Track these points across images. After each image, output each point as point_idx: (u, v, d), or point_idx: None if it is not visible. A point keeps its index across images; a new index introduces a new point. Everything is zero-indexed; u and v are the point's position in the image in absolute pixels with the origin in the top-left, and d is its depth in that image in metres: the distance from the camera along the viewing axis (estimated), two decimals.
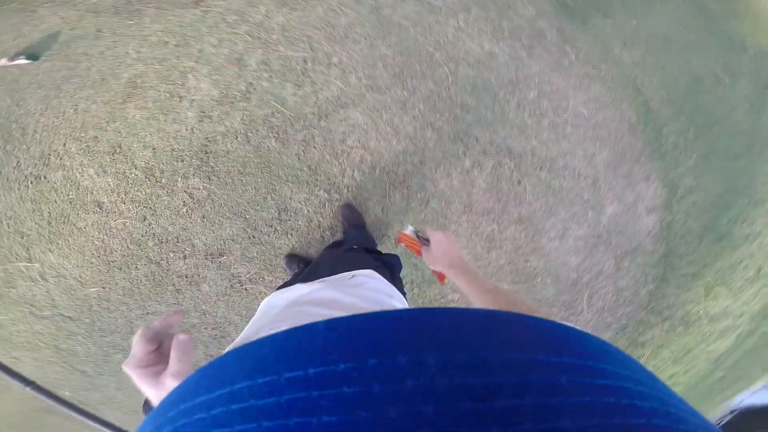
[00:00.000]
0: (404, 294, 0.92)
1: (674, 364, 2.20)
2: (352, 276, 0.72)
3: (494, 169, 1.96)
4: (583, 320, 2.03)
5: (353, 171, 1.83)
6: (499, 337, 0.17)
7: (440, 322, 0.18)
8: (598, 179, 2.06)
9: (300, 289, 0.66)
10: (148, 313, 1.78)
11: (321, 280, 0.72)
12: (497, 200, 1.95)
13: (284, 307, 0.60)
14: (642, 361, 2.08)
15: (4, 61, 1.82)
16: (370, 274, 0.75)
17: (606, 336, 2.07)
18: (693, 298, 2.16)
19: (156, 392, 0.41)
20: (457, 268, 0.69)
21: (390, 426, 0.13)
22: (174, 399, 0.18)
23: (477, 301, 0.62)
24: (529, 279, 1.97)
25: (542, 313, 0.57)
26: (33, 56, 1.84)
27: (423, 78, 1.97)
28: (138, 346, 0.42)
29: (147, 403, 0.47)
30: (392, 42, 2.00)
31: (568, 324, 0.19)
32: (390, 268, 0.97)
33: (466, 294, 0.65)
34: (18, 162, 1.76)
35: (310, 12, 1.97)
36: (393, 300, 0.72)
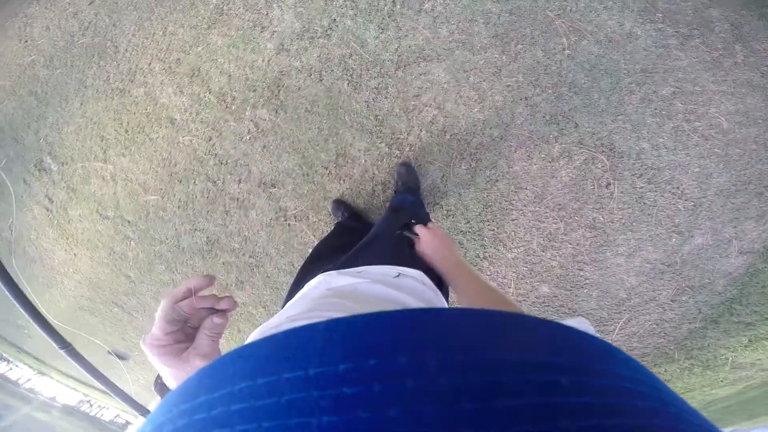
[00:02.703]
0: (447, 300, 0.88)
1: None
2: (398, 274, 0.69)
3: (585, 163, 1.75)
4: (608, 339, 1.92)
5: (421, 130, 1.74)
6: (499, 337, 0.17)
7: (440, 322, 0.18)
8: (702, 204, 1.78)
9: (343, 279, 0.67)
10: (196, 229, 1.93)
11: (364, 271, 0.71)
12: (575, 198, 1.77)
13: (325, 296, 0.60)
14: None
15: None
16: (418, 278, 0.72)
17: None
18: (732, 345, 1.97)
19: (176, 372, 0.40)
20: (447, 268, 0.70)
21: (390, 426, 0.13)
22: (174, 399, 0.18)
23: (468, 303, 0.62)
24: (575, 288, 1.86)
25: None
26: None
27: (532, 45, 1.75)
28: (159, 326, 0.39)
29: (159, 380, 0.44)
30: None
31: (569, 324, 0.19)
32: None
33: (458, 294, 0.65)
34: (108, 76, 1.97)
35: None
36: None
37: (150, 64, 1.91)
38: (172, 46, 1.90)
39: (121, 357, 2.51)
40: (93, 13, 2.02)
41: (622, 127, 1.73)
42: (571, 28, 1.76)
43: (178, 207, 1.92)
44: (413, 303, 0.60)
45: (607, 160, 1.73)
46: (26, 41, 2.10)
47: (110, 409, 4.64)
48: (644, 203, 1.77)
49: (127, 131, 1.93)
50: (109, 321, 2.32)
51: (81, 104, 2.00)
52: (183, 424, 0.16)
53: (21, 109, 2.09)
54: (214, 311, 0.41)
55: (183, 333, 0.41)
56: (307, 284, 0.71)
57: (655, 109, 1.74)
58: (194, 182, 1.89)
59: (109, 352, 2.46)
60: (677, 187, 1.76)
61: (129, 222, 2.00)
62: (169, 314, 0.39)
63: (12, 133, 2.09)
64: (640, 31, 1.77)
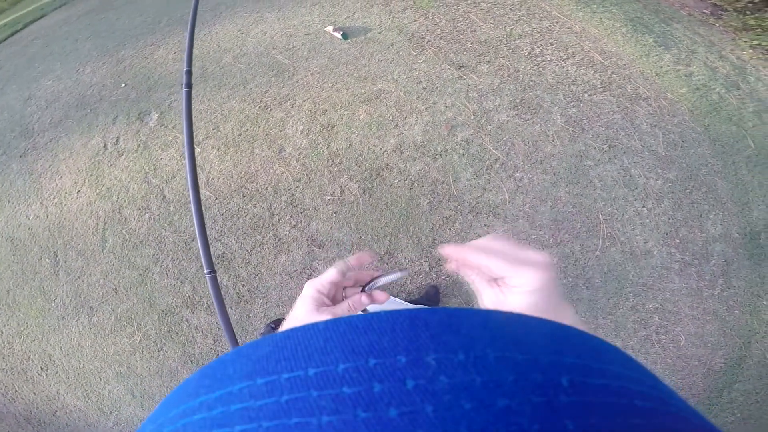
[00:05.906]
0: None
1: None
2: None
3: None
4: None
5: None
6: (499, 336, 0.18)
7: (440, 322, 0.18)
8: None
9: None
10: (219, 240, 2.08)
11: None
12: None
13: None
14: None
15: (330, 28, 2.48)
16: None
17: None
18: None
19: (307, 317, 0.46)
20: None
21: (390, 426, 0.14)
22: (175, 399, 0.19)
23: None
24: None
25: None
26: (345, 36, 2.44)
27: (575, 238, 2.13)
28: (329, 273, 0.48)
29: (275, 324, 0.58)
30: (573, 191, 2.18)
31: (569, 325, 0.21)
32: None
33: None
34: (267, 90, 2.31)
35: (529, 126, 2.24)
36: None
37: (304, 101, 2.25)
38: (329, 99, 2.25)
39: None
40: (301, 43, 2.42)
41: (608, 325, 2.09)
42: (609, 234, 2.14)
43: (222, 214, 2.07)
44: None
45: None
46: (242, 32, 2.50)
47: None
48: None
49: (239, 134, 2.21)
50: (20, 266, 2.14)
51: (228, 96, 2.30)
52: (183, 423, 0.17)
53: (180, 73, 2.31)
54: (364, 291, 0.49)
55: (337, 293, 0.50)
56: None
57: (638, 317, 2.10)
58: (255, 204, 2.08)
59: None
60: None
61: (164, 198, 2.08)
62: (341, 265, 0.48)
63: (153, 83, 2.38)
64: (656, 251, 2.15)
